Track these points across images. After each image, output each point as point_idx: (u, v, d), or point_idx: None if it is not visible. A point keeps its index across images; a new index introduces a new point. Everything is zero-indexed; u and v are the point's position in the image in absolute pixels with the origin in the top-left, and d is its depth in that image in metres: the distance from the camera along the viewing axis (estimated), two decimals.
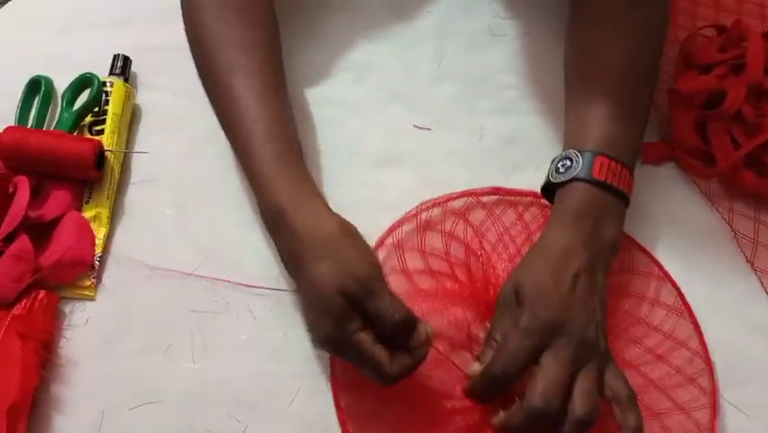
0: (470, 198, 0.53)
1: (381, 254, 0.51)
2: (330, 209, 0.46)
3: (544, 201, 0.52)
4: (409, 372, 0.42)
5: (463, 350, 0.47)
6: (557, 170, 0.47)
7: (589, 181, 0.45)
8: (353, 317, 0.41)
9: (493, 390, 0.43)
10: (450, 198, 0.53)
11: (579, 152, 0.47)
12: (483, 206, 0.53)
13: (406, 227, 0.52)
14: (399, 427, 0.46)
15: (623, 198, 0.47)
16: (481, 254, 0.51)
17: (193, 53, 0.52)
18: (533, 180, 0.54)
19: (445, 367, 0.46)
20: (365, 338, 0.41)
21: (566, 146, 0.49)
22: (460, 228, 0.52)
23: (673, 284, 0.50)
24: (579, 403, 0.40)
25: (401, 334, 0.42)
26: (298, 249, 0.44)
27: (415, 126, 0.57)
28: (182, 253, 0.52)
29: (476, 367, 0.44)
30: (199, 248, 0.52)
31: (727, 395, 0.47)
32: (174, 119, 0.58)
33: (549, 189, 0.49)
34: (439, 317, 0.48)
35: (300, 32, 0.60)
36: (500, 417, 0.42)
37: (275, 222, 0.45)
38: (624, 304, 0.49)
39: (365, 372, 0.42)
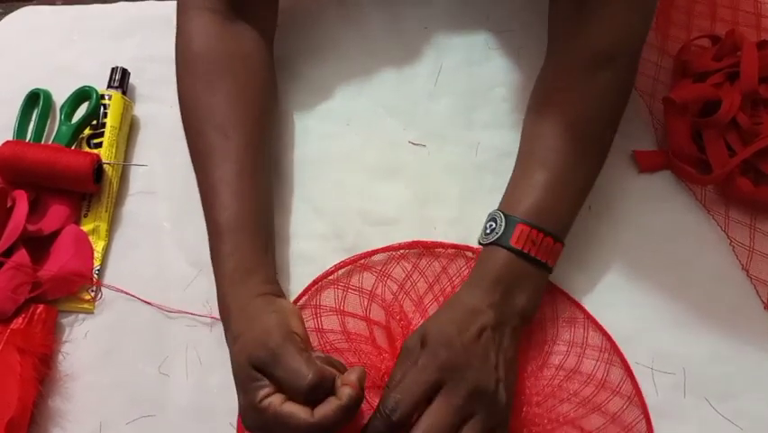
0: (392, 254, 0.52)
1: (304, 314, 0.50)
2: (270, 305, 0.45)
3: (469, 253, 0.52)
4: (340, 414, 0.39)
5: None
6: (485, 230, 0.48)
7: (507, 248, 0.46)
8: (262, 384, 0.40)
9: (389, 426, 0.41)
10: (369, 253, 0.52)
11: (504, 215, 0.47)
12: (406, 258, 0.52)
13: (325, 286, 0.51)
14: None
15: (543, 267, 0.47)
16: (401, 318, 0.49)
17: (181, 114, 0.51)
18: None
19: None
20: (275, 400, 0.40)
21: (500, 206, 0.49)
22: (380, 288, 0.51)
23: (599, 328, 0.50)
24: None
25: (320, 393, 0.40)
26: (232, 341, 0.44)
27: (410, 143, 0.57)
28: (179, 265, 0.53)
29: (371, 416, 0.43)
30: (196, 260, 0.53)
31: (721, 408, 0.47)
32: (172, 131, 0.58)
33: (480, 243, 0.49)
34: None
35: (298, 45, 0.61)
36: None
37: (225, 320, 0.45)
38: (553, 358, 0.49)
39: None
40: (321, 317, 0.50)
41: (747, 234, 0.53)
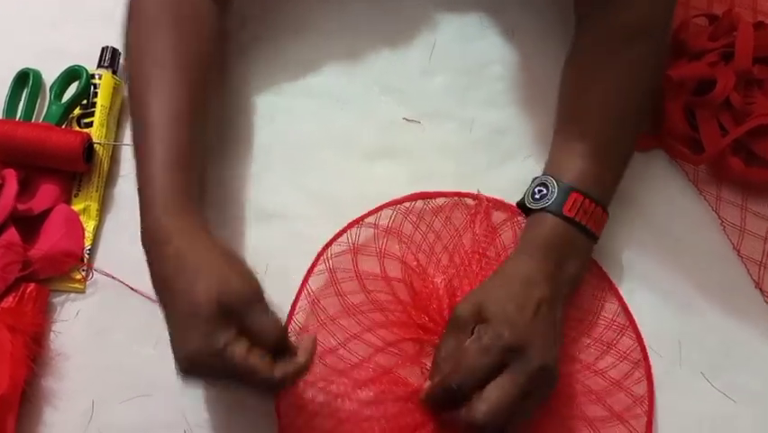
0: (396, 209, 0.52)
1: (317, 282, 0.50)
2: (215, 241, 0.43)
3: (468, 201, 0.53)
4: (294, 377, 0.40)
5: (411, 364, 0.48)
6: (533, 194, 0.48)
7: (560, 216, 0.46)
8: (226, 327, 0.38)
9: (446, 402, 0.42)
10: (374, 211, 0.52)
11: (556, 181, 0.47)
12: (412, 212, 0.52)
13: (336, 249, 0.51)
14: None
15: (592, 237, 0.47)
16: (418, 268, 0.50)
17: (124, 63, 0.49)
18: (520, 172, 0.54)
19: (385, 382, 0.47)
20: (239, 349, 0.38)
21: (546, 170, 0.49)
22: (391, 244, 0.51)
23: (619, 298, 0.50)
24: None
25: (281, 349, 0.40)
26: (177, 270, 0.40)
27: (404, 119, 0.57)
28: None
29: (428, 385, 0.44)
30: None
31: (716, 382, 0.48)
32: None
33: (524, 207, 0.49)
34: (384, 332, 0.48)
35: (290, 23, 0.60)
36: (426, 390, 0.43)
37: (157, 243, 0.42)
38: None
39: (244, 386, 0.40)
40: (339, 284, 0.50)
41: (738, 215, 0.54)
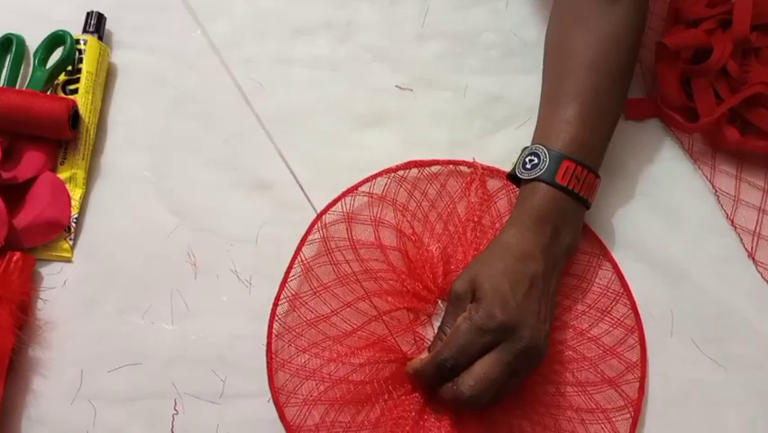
0: (391, 177, 0.52)
1: (311, 251, 0.50)
2: None
3: (463, 168, 0.52)
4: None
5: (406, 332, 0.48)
6: (524, 164, 0.47)
7: (553, 185, 0.45)
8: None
9: (436, 378, 0.43)
10: (368, 180, 0.52)
11: (546, 150, 0.46)
12: (406, 181, 0.52)
13: (330, 218, 0.51)
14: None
15: (584, 203, 0.47)
16: (413, 236, 0.50)
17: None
18: (514, 140, 0.54)
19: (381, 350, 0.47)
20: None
21: (536, 140, 0.48)
22: (386, 212, 0.51)
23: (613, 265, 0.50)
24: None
25: None
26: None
27: (397, 87, 0.56)
28: (160, 214, 0.52)
29: (425, 356, 0.44)
30: (177, 209, 0.52)
31: (707, 350, 0.48)
32: (151, 79, 0.57)
33: (516, 177, 0.48)
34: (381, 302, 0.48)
35: None
36: (414, 364, 0.44)
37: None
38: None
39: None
40: (332, 252, 0.50)
41: (733, 185, 0.53)
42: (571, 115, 0.47)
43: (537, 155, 0.46)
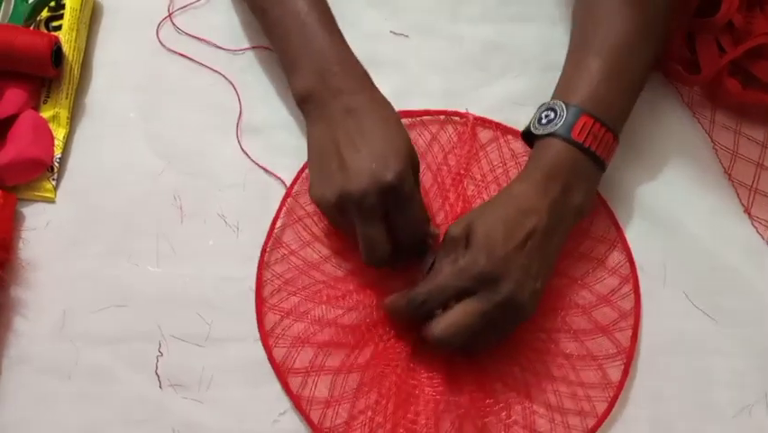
0: None
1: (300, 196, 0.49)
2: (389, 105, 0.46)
3: (457, 119, 0.51)
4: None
5: None
6: (539, 120, 0.45)
7: (568, 141, 0.43)
8: (379, 215, 0.42)
9: (408, 314, 0.42)
10: None
11: (564, 104, 0.44)
12: None
13: None
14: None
15: (600, 165, 0.45)
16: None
17: None
18: (510, 90, 0.53)
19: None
20: (380, 227, 0.42)
21: (554, 97, 0.46)
22: None
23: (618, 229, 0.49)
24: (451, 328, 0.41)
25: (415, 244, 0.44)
26: (352, 125, 0.44)
27: (392, 32, 0.54)
28: (147, 157, 0.50)
29: (394, 295, 0.44)
30: (164, 152, 0.51)
31: (697, 301, 0.47)
32: (136, 19, 0.55)
33: (530, 136, 0.47)
34: None
35: None
36: (391, 300, 0.44)
37: (329, 92, 0.45)
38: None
39: (358, 241, 0.43)
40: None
41: (732, 139, 0.53)
42: (597, 74, 0.45)
43: (554, 110, 0.44)
